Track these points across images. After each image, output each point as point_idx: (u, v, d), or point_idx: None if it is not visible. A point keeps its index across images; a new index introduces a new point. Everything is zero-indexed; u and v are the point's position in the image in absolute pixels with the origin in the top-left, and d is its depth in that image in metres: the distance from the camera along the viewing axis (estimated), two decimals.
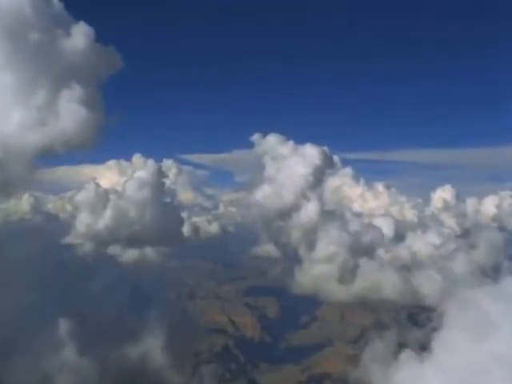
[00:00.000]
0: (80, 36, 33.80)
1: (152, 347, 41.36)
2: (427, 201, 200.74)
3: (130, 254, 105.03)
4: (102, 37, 35.79)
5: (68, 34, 34.33)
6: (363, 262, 75.56)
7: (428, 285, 71.76)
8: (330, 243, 75.37)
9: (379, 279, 73.55)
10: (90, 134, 31.87)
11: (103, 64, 33.69)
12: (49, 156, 35.30)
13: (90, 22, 34.26)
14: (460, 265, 73.98)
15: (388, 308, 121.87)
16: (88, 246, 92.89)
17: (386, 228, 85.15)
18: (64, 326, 36.63)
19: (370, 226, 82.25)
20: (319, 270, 75.56)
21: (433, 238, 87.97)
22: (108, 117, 34.54)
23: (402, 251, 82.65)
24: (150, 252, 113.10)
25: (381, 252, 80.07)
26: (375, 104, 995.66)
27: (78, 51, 33.68)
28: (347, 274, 73.76)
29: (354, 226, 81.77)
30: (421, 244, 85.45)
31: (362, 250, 76.56)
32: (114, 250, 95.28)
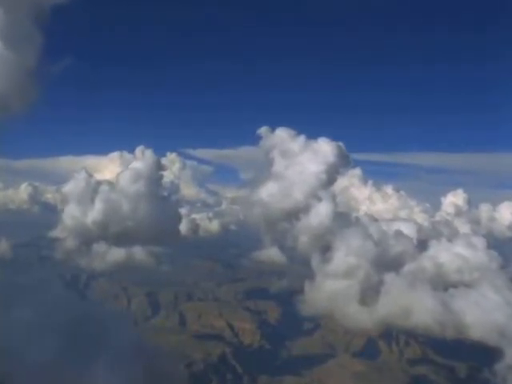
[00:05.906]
0: None
1: None
2: (435, 205, 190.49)
3: (115, 254, 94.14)
4: None
5: None
6: (389, 278, 63.79)
7: (472, 311, 59.21)
8: (349, 253, 64.44)
9: (409, 301, 61.40)
10: (11, 84, 20.90)
11: None
12: None
13: None
14: None
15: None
16: (71, 242, 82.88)
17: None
18: None
19: (399, 233, 71.09)
20: (335, 287, 63.91)
21: (460, 247, 76.95)
22: (49, 65, 23.16)
23: (426, 263, 71.19)
24: (139, 252, 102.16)
25: (407, 265, 68.15)
26: (386, 105, 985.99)
27: None
28: (370, 292, 62.10)
29: (373, 232, 71.15)
30: (448, 255, 74.21)
31: (387, 262, 64.98)
32: (99, 247, 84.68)
